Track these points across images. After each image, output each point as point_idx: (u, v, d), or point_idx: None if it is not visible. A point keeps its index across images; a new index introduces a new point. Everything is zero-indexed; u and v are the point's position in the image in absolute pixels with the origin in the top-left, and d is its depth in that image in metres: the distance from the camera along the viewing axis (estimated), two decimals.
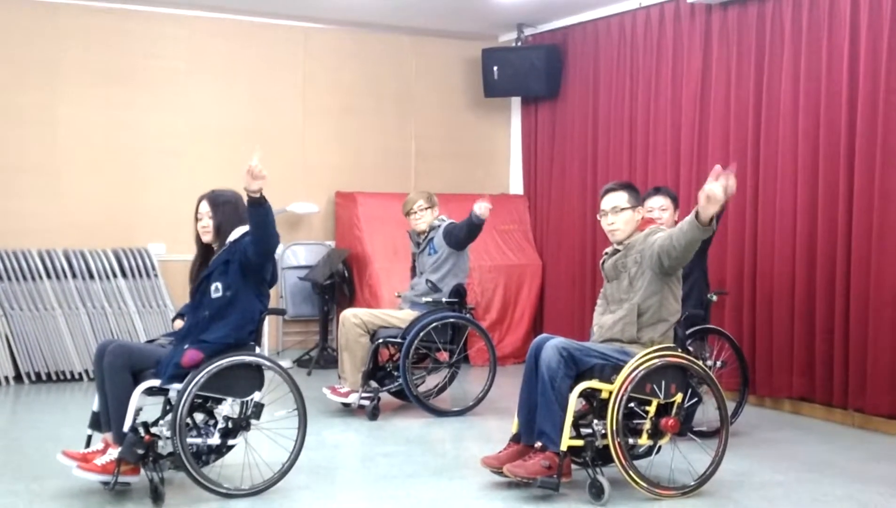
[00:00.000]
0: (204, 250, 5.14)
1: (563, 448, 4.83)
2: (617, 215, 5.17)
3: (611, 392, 4.89)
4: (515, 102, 10.12)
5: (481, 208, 6.73)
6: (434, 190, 7.53)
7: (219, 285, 4.92)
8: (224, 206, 5.03)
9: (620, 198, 5.18)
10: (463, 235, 6.90)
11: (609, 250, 5.34)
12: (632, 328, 5.07)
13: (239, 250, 4.89)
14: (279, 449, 5.10)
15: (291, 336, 9.42)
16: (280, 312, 8.77)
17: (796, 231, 7.00)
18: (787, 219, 7.06)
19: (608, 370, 4.96)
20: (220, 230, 5.01)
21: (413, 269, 7.34)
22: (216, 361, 4.82)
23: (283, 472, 5.03)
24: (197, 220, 5.09)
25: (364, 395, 6.74)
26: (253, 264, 4.88)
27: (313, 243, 9.50)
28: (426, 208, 7.10)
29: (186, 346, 4.86)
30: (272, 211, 4.80)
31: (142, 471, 4.80)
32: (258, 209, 4.73)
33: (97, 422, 4.97)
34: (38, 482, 5.08)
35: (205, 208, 5.05)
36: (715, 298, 6.40)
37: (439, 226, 7.07)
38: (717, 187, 4.57)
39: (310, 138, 9.48)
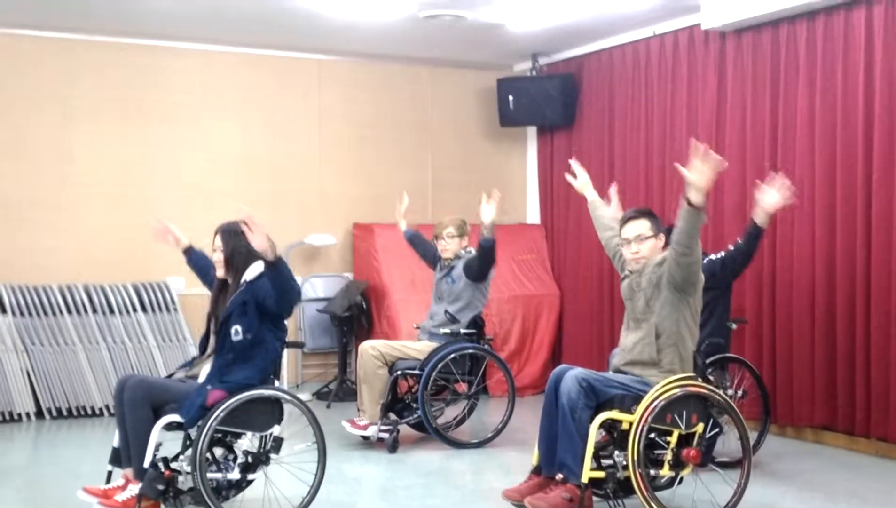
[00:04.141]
0: (222, 284, 5.14)
1: (585, 479, 4.80)
2: (641, 243, 5.15)
3: (631, 423, 4.86)
4: (531, 131, 10.14)
5: (484, 212, 6.74)
6: None
7: (238, 327, 4.91)
8: (234, 237, 5.00)
9: (643, 226, 5.17)
10: (476, 265, 6.89)
11: (626, 271, 5.33)
12: (651, 349, 5.04)
13: (257, 294, 4.89)
14: (299, 483, 5.09)
15: (310, 369, 9.41)
16: (299, 345, 8.80)
17: (815, 258, 6.96)
18: (806, 246, 7.03)
19: (628, 400, 4.94)
20: (230, 262, 5.01)
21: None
22: (236, 395, 4.82)
23: (303, 506, 5.02)
24: (213, 251, 5.11)
25: (383, 427, 6.73)
26: (275, 314, 4.92)
27: (331, 276, 9.52)
28: (455, 237, 7.10)
29: (209, 387, 4.86)
30: (287, 267, 4.80)
31: (162, 507, 4.79)
32: (272, 271, 4.75)
33: (118, 458, 4.97)
34: None
35: (218, 240, 5.07)
36: (734, 326, 6.37)
37: (463, 258, 7.06)
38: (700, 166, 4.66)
39: (326, 170, 9.52)
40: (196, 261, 5.60)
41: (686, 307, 5.05)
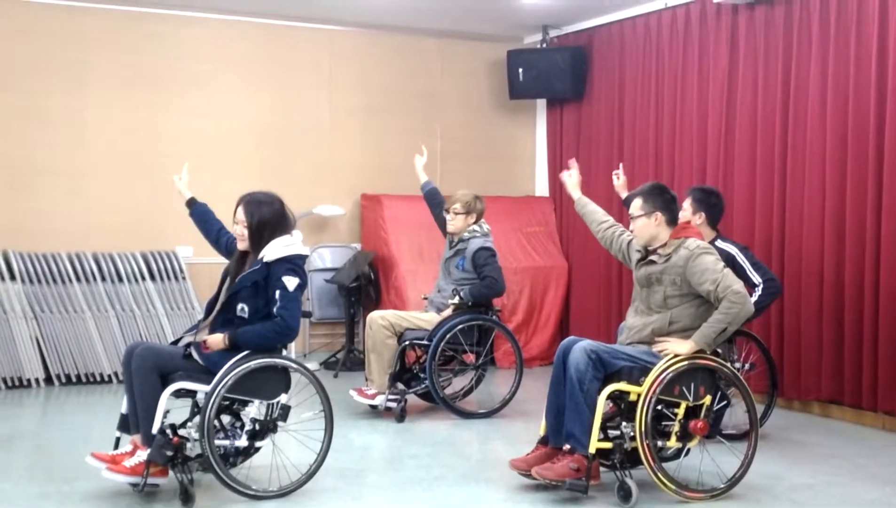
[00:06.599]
0: (242, 254, 5.11)
1: (592, 450, 4.81)
2: (634, 222, 5.24)
3: (639, 395, 4.88)
4: (541, 103, 10.10)
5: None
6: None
7: (245, 307, 4.93)
8: (260, 208, 4.99)
9: (635, 205, 5.24)
10: (480, 292, 6.88)
11: (640, 249, 5.30)
12: (660, 335, 5.07)
13: (271, 285, 4.89)
14: (306, 451, 5.12)
15: (318, 339, 9.44)
16: (306, 314, 8.80)
17: (824, 232, 6.94)
18: (815, 220, 7.00)
19: (636, 372, 4.95)
20: (258, 234, 4.97)
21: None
22: (244, 363, 4.84)
23: (311, 474, 5.05)
24: (234, 224, 5.07)
25: (391, 397, 6.75)
26: None
27: (339, 246, 9.52)
28: (461, 214, 7.02)
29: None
30: (251, 338, 4.88)
31: (170, 473, 4.81)
32: (240, 350, 4.87)
33: (126, 424, 4.98)
34: (68, 483, 5.12)
35: (241, 213, 5.03)
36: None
37: (470, 239, 6.95)
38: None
39: (335, 141, 9.50)
40: (199, 215, 5.57)
41: (706, 304, 5.05)
